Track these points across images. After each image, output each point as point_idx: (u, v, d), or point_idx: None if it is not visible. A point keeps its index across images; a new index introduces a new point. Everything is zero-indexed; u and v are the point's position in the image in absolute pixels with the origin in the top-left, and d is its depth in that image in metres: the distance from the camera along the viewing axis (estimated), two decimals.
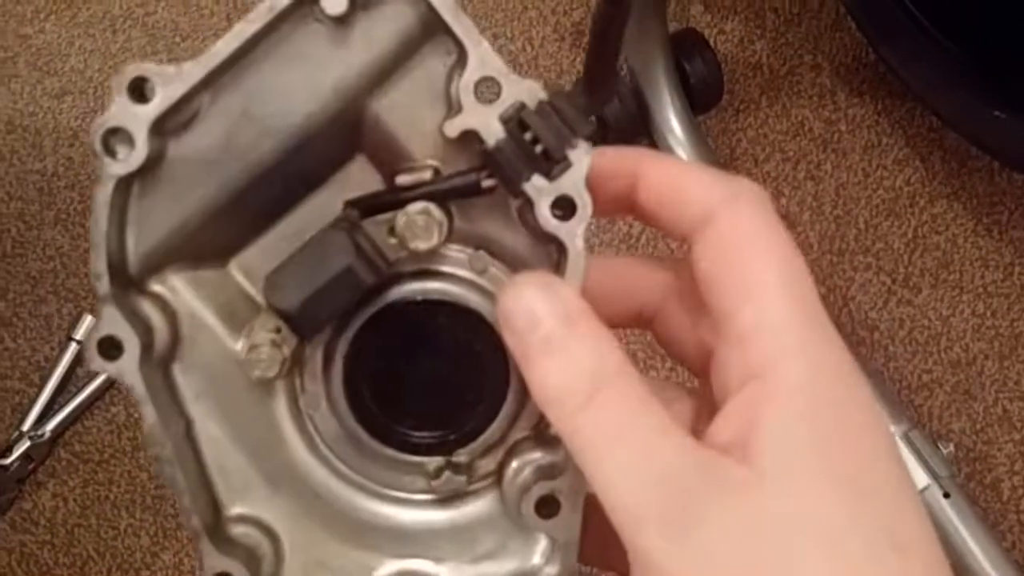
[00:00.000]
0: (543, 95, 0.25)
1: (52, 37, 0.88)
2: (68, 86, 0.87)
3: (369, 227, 0.26)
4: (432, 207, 0.25)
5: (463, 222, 0.26)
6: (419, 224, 0.25)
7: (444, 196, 0.25)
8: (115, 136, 0.25)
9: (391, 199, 0.26)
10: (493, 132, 0.25)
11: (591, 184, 0.25)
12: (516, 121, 0.24)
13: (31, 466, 0.75)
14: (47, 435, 0.76)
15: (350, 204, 0.26)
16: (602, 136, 0.81)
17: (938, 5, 0.72)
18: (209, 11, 0.89)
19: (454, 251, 0.26)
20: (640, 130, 0.81)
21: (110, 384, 0.77)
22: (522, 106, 0.24)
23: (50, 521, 0.76)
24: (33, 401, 0.77)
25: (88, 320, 0.79)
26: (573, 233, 0.25)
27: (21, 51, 0.88)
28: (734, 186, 0.25)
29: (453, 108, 0.25)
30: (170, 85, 0.24)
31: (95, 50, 0.88)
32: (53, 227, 0.82)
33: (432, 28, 0.25)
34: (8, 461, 0.75)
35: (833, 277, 0.78)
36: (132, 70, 0.25)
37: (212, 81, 0.25)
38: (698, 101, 0.81)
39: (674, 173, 0.26)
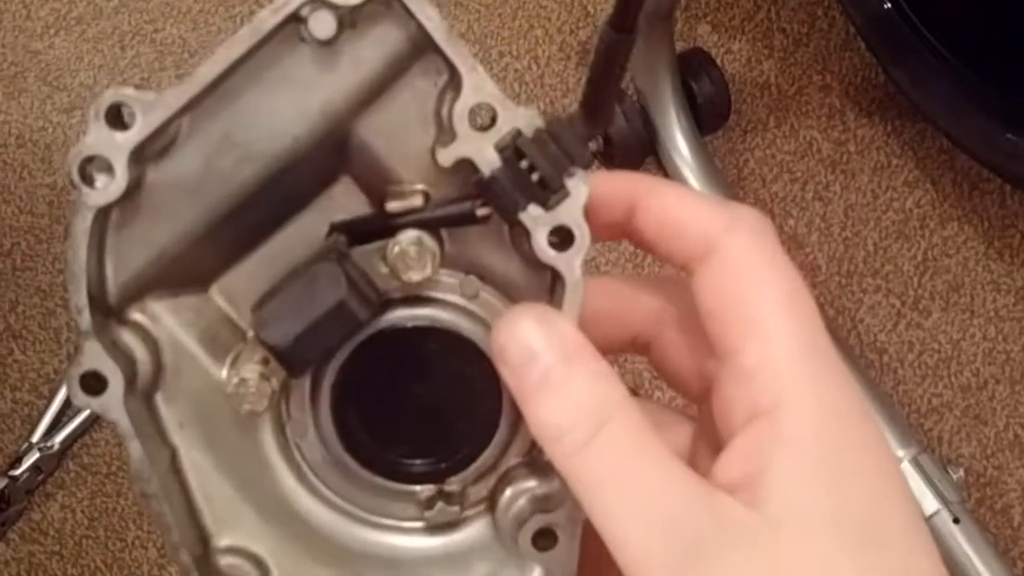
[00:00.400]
0: (540, 122, 0.24)
1: (62, 52, 0.89)
2: (77, 101, 0.87)
3: (358, 256, 0.25)
4: (425, 236, 0.25)
5: (454, 246, 0.26)
6: (412, 255, 0.25)
7: (437, 224, 0.25)
8: (92, 164, 0.24)
9: (381, 226, 0.25)
10: (488, 161, 0.24)
11: (588, 212, 0.24)
12: (512, 149, 0.24)
13: (40, 477, 0.76)
14: (56, 447, 0.76)
15: (336, 227, 0.26)
16: (608, 156, 0.81)
17: (949, 26, 0.71)
18: (217, 28, 0.90)
19: (444, 276, 0.26)
20: (647, 150, 0.80)
21: None
22: (518, 134, 0.24)
23: (59, 532, 0.76)
24: (42, 413, 0.78)
25: None
26: (571, 264, 0.24)
27: (31, 66, 0.89)
28: (735, 215, 0.25)
29: (444, 131, 0.25)
30: (150, 112, 0.24)
31: (104, 65, 0.88)
32: (63, 241, 0.83)
33: (422, 47, 0.25)
34: (18, 472, 0.75)
35: (842, 299, 0.77)
36: (110, 96, 0.24)
37: (193, 106, 0.24)
38: (705, 121, 0.81)
39: (673, 201, 0.25)
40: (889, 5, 0.73)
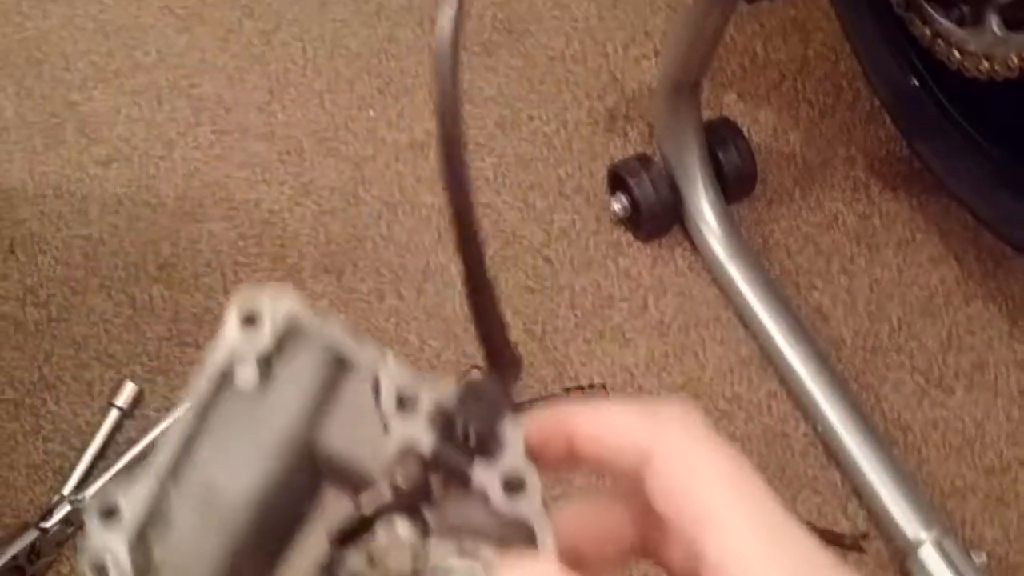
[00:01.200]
0: (456, 388, 0.26)
1: (100, 105, 0.91)
2: (114, 154, 0.89)
3: (348, 559, 0.26)
4: (400, 525, 0.26)
5: (438, 518, 0.27)
6: (393, 549, 0.26)
7: (406, 508, 0.26)
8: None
9: (357, 526, 0.26)
10: (426, 440, 0.26)
11: (532, 454, 0.25)
12: (442, 421, 0.25)
13: (70, 530, 0.76)
14: (87, 500, 0.78)
15: (334, 540, 0.27)
16: (635, 224, 0.82)
17: (974, 102, 0.71)
18: (252, 84, 0.91)
19: (436, 545, 0.26)
20: (673, 218, 0.81)
21: (148, 452, 0.79)
22: (442, 404, 0.26)
23: None
24: (73, 466, 0.78)
25: (129, 386, 0.80)
26: (530, 508, 0.25)
27: (69, 118, 0.91)
28: (658, 416, 0.25)
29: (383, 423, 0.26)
30: (133, 505, 0.25)
31: (141, 119, 0.90)
32: (97, 293, 0.84)
33: (345, 355, 0.27)
34: (48, 524, 0.76)
35: (866, 375, 0.77)
36: (96, 502, 0.26)
37: (167, 483, 0.26)
38: (731, 190, 0.81)
39: (600, 422, 0.26)
40: (916, 83, 0.74)
